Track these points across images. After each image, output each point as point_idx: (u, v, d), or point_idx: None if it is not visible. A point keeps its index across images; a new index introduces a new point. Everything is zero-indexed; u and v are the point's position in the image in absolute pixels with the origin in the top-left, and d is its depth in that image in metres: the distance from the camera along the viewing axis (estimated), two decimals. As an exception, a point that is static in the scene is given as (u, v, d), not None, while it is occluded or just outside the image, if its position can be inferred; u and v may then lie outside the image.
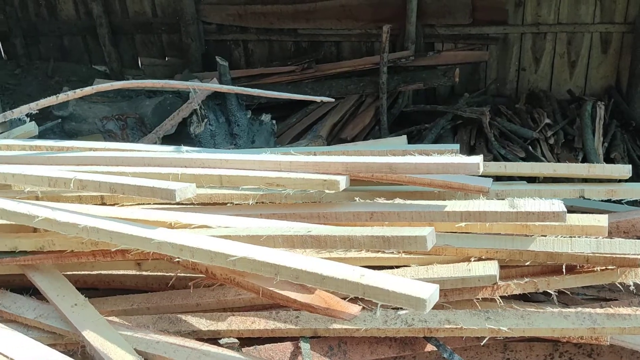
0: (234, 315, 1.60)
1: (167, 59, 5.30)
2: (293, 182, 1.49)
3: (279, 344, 1.55)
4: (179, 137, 3.48)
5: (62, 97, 2.68)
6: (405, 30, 4.29)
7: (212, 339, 1.58)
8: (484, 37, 4.33)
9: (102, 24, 5.13)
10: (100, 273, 1.78)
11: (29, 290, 1.87)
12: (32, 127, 2.64)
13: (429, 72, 3.96)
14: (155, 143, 3.15)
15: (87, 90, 2.64)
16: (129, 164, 1.78)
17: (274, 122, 3.49)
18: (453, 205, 1.46)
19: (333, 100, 3.09)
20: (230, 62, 5.08)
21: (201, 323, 1.60)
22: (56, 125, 3.89)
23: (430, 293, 1.03)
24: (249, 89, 2.76)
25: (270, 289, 1.38)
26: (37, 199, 1.73)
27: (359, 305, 1.31)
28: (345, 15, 4.55)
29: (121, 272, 1.76)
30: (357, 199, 1.53)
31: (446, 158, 1.48)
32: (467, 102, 3.92)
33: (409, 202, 1.52)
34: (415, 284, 1.06)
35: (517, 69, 4.48)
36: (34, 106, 2.74)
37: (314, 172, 1.51)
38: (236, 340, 1.54)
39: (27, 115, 2.91)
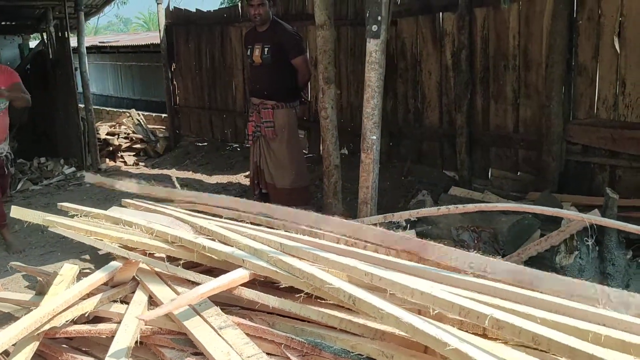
0: None
1: (519, 173, 5.19)
2: None
3: None
4: (536, 261, 3.26)
5: (443, 210, 2.78)
6: None
7: None
8: None
9: (462, 133, 5.35)
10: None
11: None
12: (412, 233, 2.79)
13: None
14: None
15: (470, 207, 2.68)
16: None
17: (655, 268, 2.98)
18: None
19: None
20: (591, 187, 4.69)
21: None
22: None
23: None
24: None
25: None
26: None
27: None
28: None
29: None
30: None
31: None
32: None
33: None
34: None
35: None
36: (414, 213, 2.92)
37: None
38: None
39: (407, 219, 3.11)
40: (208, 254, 2.47)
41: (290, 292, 2.23)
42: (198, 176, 7.38)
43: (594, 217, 2.44)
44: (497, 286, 1.72)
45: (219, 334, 1.97)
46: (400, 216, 2.85)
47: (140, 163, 8.55)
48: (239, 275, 2.18)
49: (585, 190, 4.65)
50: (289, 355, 1.89)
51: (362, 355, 1.73)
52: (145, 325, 2.23)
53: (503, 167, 5.27)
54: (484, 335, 1.71)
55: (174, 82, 8.91)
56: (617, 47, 4.33)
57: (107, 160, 8.61)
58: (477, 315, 1.44)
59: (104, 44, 14.25)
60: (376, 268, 1.91)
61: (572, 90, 4.65)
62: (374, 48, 3.24)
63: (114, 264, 2.65)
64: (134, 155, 8.83)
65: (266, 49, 4.56)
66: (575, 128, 4.66)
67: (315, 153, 7.09)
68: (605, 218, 2.65)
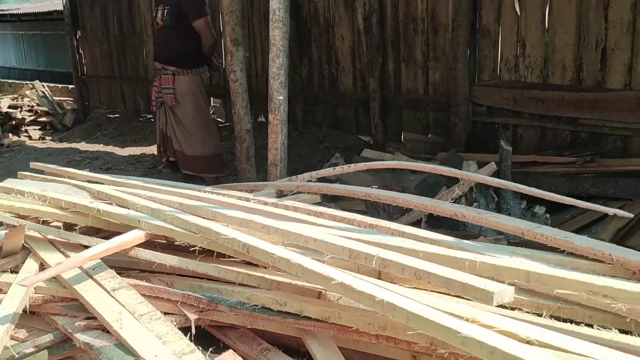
0: None
1: (429, 136, 5.33)
2: (628, 297, 1.21)
3: None
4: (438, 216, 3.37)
5: (338, 170, 2.81)
6: None
7: None
8: None
9: (376, 98, 5.41)
10: (369, 353, 1.70)
11: (296, 352, 1.89)
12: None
13: None
14: (421, 219, 3.08)
15: (360, 166, 2.73)
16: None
17: (548, 216, 3.16)
18: None
19: (630, 215, 2.61)
20: (495, 147, 4.88)
21: None
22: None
23: None
24: (525, 187, 2.51)
25: None
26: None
27: None
28: (640, 108, 4.03)
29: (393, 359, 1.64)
30: None
31: None
32: None
33: None
34: None
35: None
36: (314, 175, 2.92)
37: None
38: None
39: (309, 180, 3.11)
40: (104, 218, 2.36)
41: (191, 252, 2.18)
42: (109, 149, 7.08)
43: (481, 176, 2.52)
44: (387, 236, 1.76)
45: (111, 296, 1.90)
46: (303, 177, 2.85)
47: (47, 137, 8.09)
48: (134, 236, 2.10)
49: (491, 149, 4.83)
50: (186, 312, 1.85)
51: (258, 306, 1.72)
52: (36, 293, 2.11)
53: (415, 130, 5.39)
54: (379, 278, 1.75)
55: (80, 51, 8.43)
56: (517, 9, 4.48)
57: (10, 135, 8.07)
58: (365, 257, 1.47)
59: (3, 12, 13.23)
60: (273, 220, 1.89)
61: (477, 52, 4.80)
62: (277, 6, 3.17)
63: (0, 233, 2.48)
64: (39, 129, 8.33)
65: (166, 11, 4.37)
66: (480, 89, 4.82)
67: (231, 121, 6.96)
68: (487, 177, 2.73)
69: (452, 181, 3.90)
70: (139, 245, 2.18)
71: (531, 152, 4.50)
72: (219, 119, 6.99)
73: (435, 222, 3.21)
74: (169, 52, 4.45)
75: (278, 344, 1.85)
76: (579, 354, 1.13)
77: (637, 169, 3.73)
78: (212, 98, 6.97)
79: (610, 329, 1.32)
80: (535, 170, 4.01)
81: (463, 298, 1.63)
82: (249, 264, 2.02)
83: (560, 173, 3.92)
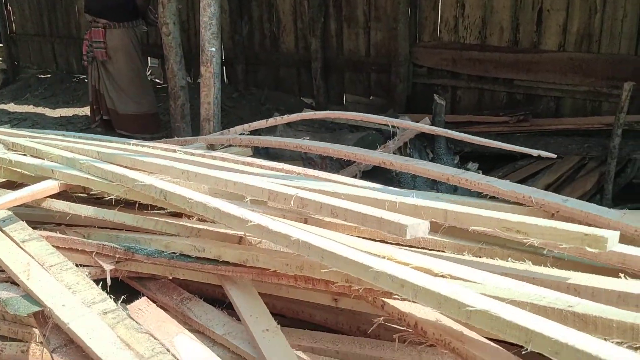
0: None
1: (371, 98, 5.31)
2: (540, 231, 1.21)
3: None
4: (376, 173, 3.37)
5: (270, 122, 2.74)
6: (646, 91, 3.72)
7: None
8: None
9: (317, 58, 5.32)
10: (292, 299, 1.66)
11: (220, 302, 1.84)
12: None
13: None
14: (355, 175, 3.06)
15: (293, 117, 2.67)
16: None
17: (480, 172, 3.19)
18: None
19: (554, 156, 2.68)
20: (435, 107, 4.93)
21: (396, 383, 1.37)
22: (262, 148, 4.03)
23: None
24: (456, 133, 2.51)
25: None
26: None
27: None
28: (572, 69, 4.12)
29: (315, 302, 1.62)
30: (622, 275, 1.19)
31: None
32: None
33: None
34: None
35: None
36: (247, 127, 2.84)
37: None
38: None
39: (240, 134, 3.03)
40: (16, 169, 2.22)
41: (110, 205, 2.07)
42: (40, 110, 6.71)
43: (412, 123, 2.51)
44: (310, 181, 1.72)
45: (20, 247, 1.78)
46: (235, 130, 2.76)
47: (-28, 99, 7.61)
48: (46, 186, 1.97)
49: (430, 111, 4.86)
50: (101, 262, 1.76)
51: (176, 253, 1.65)
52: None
53: (357, 92, 5.35)
54: (305, 223, 1.71)
55: (9, 7, 7.93)
56: (457, -31, 4.47)
57: None
58: (284, 197, 1.42)
59: None
60: (192, 166, 1.82)
61: (418, 12, 4.76)
62: (208, -49, 3.03)
63: None
64: (-36, 91, 7.82)
65: (97, -40, 4.13)
66: (420, 50, 4.81)
67: (170, 83, 6.72)
68: (431, 126, 2.75)
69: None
70: (54, 197, 2.06)
71: (469, 113, 4.55)
72: (157, 80, 6.74)
73: (369, 180, 3.20)
74: (99, 3, 4.21)
75: (201, 295, 1.79)
76: (488, 285, 1.12)
77: (568, 128, 3.83)
78: (149, 58, 6.70)
79: (525, 261, 1.33)
80: (471, 129, 4.03)
81: (387, 242, 1.62)
82: (174, 215, 1.95)
83: (495, 132, 3.98)
